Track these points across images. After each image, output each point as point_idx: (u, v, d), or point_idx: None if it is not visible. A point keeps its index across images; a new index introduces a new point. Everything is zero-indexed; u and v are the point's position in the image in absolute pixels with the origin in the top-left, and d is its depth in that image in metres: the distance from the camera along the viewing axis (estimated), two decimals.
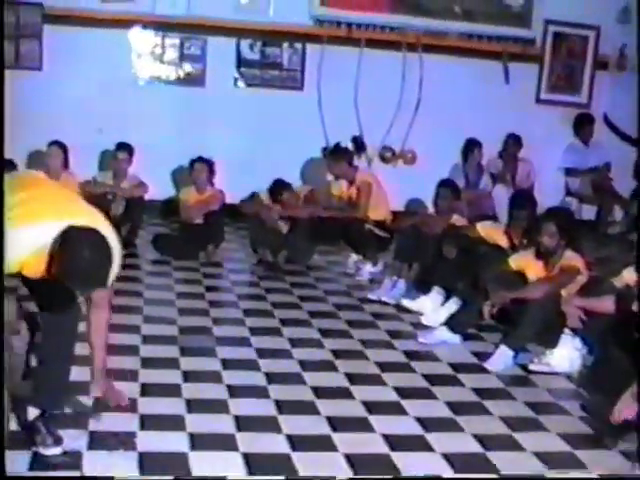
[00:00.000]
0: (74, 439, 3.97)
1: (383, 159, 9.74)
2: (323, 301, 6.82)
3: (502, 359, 5.52)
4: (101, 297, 3.95)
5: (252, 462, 3.97)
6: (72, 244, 3.36)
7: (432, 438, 4.39)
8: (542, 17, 9.81)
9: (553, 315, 5.55)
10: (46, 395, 3.94)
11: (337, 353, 5.57)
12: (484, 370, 5.48)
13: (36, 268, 3.43)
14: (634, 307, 5.04)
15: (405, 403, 4.83)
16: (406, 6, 9.49)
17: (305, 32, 9.38)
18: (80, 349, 4.11)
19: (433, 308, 6.43)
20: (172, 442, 4.11)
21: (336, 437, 4.32)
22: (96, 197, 7.70)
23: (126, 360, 4.99)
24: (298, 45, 9.45)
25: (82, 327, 4.06)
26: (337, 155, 8.38)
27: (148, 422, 4.29)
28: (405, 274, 7.02)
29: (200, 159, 8.10)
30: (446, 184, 7.49)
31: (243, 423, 4.38)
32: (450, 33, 9.64)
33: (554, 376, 5.44)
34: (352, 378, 5.14)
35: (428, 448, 4.29)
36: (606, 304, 5.37)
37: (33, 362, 3.85)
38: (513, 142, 9.60)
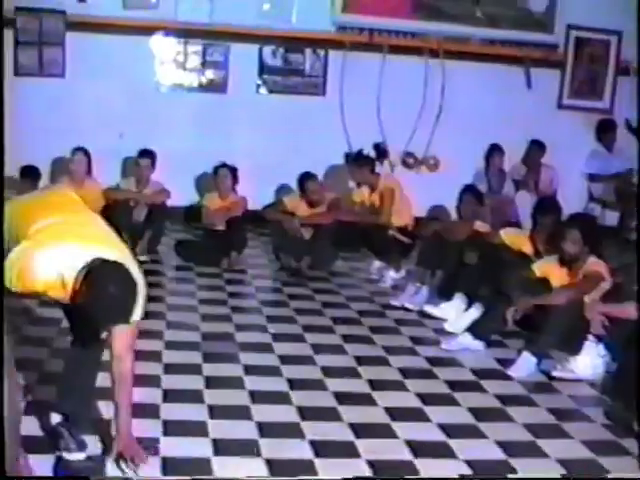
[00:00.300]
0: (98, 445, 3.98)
1: (406, 165, 9.72)
2: (346, 307, 6.81)
3: (525, 366, 5.50)
4: (123, 339, 3.72)
5: (275, 468, 3.98)
6: (97, 277, 3.39)
7: (455, 445, 4.39)
8: (564, 22, 9.78)
9: (576, 322, 5.52)
10: (69, 401, 3.96)
11: (360, 359, 5.57)
12: (507, 377, 5.46)
13: (60, 292, 3.45)
14: None
15: (428, 409, 4.82)
16: (428, 12, 9.48)
17: (327, 38, 9.37)
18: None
19: (456, 314, 6.40)
20: (195, 448, 4.12)
21: (359, 443, 4.32)
22: (119, 204, 7.80)
23: (149, 366, 5.00)
24: (320, 51, 9.45)
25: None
26: (359, 162, 8.38)
27: (171, 428, 4.31)
28: (428, 280, 6.99)
29: (224, 165, 8.10)
30: (469, 190, 7.45)
31: (266, 429, 4.38)
32: (472, 39, 9.63)
33: (577, 383, 5.41)
34: (375, 384, 5.13)
35: (451, 455, 4.29)
36: (629, 311, 5.36)
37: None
38: (536, 148, 9.53)
